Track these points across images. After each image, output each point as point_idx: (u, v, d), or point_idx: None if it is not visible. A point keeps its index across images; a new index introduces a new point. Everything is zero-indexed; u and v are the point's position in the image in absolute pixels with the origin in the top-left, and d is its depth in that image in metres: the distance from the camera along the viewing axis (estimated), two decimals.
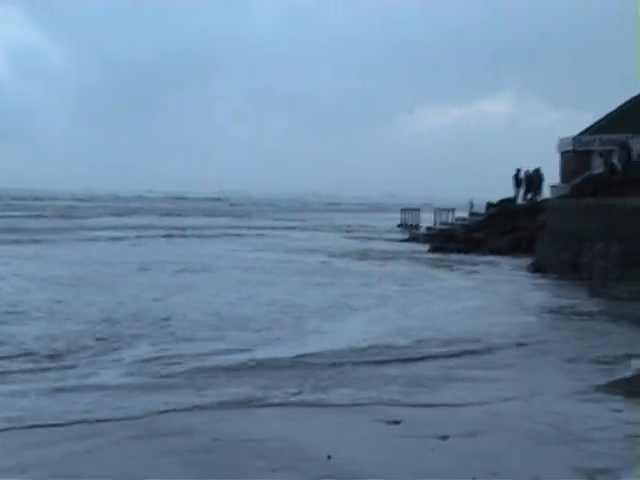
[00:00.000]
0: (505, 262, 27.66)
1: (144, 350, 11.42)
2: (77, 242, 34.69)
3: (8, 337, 11.95)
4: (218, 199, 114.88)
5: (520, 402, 8.64)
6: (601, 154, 34.38)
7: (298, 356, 11.16)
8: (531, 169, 37.87)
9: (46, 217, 56.30)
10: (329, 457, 6.42)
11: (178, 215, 66.71)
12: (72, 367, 10.25)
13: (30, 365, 10.25)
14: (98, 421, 7.64)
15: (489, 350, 12.05)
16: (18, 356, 10.72)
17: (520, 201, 37.26)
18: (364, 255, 30.65)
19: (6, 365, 10.19)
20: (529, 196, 37.11)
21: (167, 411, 8.04)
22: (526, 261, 26.11)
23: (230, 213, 74.67)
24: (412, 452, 6.70)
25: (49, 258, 25.73)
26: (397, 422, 7.63)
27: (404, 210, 53.65)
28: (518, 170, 37.96)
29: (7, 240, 33.78)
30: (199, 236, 40.82)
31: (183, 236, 40.74)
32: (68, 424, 7.53)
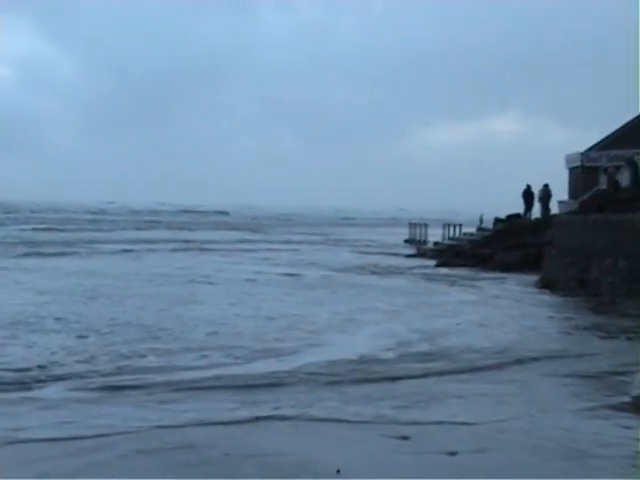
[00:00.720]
0: (512, 278, 27.62)
1: (143, 362, 11.47)
2: (95, 255, 34.86)
3: (30, 348, 11.98)
4: (227, 213, 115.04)
5: (527, 418, 8.64)
6: (605, 170, 34.38)
7: (303, 370, 11.21)
8: (539, 185, 37.90)
9: (67, 230, 56.26)
10: (338, 471, 6.45)
11: (191, 229, 66.83)
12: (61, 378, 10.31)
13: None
14: (97, 436, 7.61)
15: (495, 366, 12.06)
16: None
17: (538, 216, 37.09)
18: (371, 270, 30.67)
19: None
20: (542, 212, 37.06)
21: (172, 426, 8.04)
22: (533, 277, 26.07)
23: (241, 227, 74.76)
24: (421, 467, 6.72)
25: (72, 271, 25.82)
26: (406, 438, 7.64)
27: (412, 225, 53.60)
28: (528, 186, 37.94)
29: (31, 253, 33.95)
30: (215, 250, 40.98)
31: (200, 249, 40.98)
32: (67, 439, 7.51)
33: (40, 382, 10.07)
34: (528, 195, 37.85)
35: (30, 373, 10.52)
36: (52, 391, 9.68)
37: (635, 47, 33.88)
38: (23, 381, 10.10)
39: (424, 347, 13.45)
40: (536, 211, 37.99)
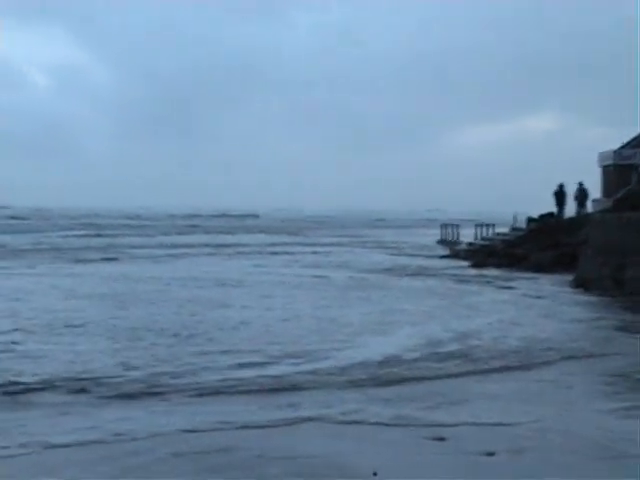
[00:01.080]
0: (546, 278, 27.39)
1: (176, 366, 11.52)
2: (137, 260, 34.98)
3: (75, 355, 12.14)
4: (257, 216, 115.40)
5: (565, 418, 8.56)
6: (636, 169, 33.95)
7: (337, 372, 11.26)
8: (573, 184, 37.51)
9: (107, 235, 56.63)
10: (375, 474, 6.43)
11: (228, 233, 67.10)
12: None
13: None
14: (133, 440, 7.66)
15: (529, 366, 12.02)
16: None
17: (571, 215, 36.69)
18: (403, 271, 30.55)
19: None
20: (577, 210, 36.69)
21: (206, 429, 8.07)
22: (568, 277, 25.83)
23: (273, 230, 74.90)
24: (459, 469, 6.68)
25: (114, 276, 26.09)
26: (442, 439, 7.60)
27: (444, 226, 53.36)
28: (561, 185, 37.57)
29: (72, 259, 34.23)
30: (250, 253, 41.10)
31: (236, 253, 41.10)
32: (104, 442, 7.55)
33: (76, 386, 10.11)
34: (560, 194, 37.48)
35: (65, 377, 10.58)
36: (87, 395, 9.74)
37: None
38: (58, 385, 10.15)
39: (457, 347, 13.40)
40: (570, 210, 37.61)
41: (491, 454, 7.04)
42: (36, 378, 10.41)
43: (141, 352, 12.49)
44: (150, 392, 9.93)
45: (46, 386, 10.06)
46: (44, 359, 11.81)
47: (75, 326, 14.97)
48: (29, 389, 9.89)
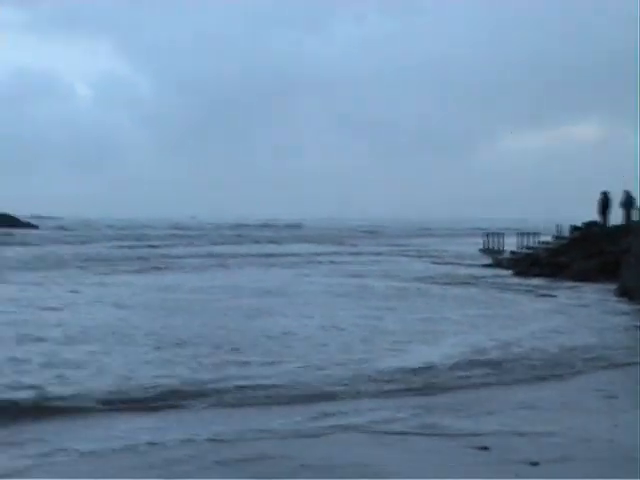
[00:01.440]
0: (590, 286, 27.08)
1: (219, 374, 11.60)
2: (187, 270, 35.32)
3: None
4: (299, 226, 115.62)
5: (608, 428, 8.46)
6: None
7: (380, 380, 11.23)
8: (617, 192, 36.92)
9: (161, 246, 57.02)
10: None
11: (275, 242, 67.38)
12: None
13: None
14: (177, 447, 7.69)
15: (574, 374, 11.97)
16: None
17: (616, 223, 36.10)
18: (446, 280, 30.43)
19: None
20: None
21: (247, 438, 8.07)
22: (611, 285, 25.49)
23: (317, 239, 75.00)
24: (503, 478, 6.62)
25: (165, 285, 26.44)
26: (485, 448, 7.56)
27: (487, 234, 52.91)
28: (604, 193, 37.00)
29: (126, 269, 34.65)
30: (302, 262, 41.41)
31: (285, 263, 41.21)
32: (148, 451, 7.58)
33: (116, 396, 10.15)
34: (605, 202, 36.95)
35: (105, 386, 10.65)
36: (126, 404, 9.78)
37: None
38: (99, 394, 10.18)
39: (499, 356, 13.35)
40: (615, 217, 37.04)
41: (535, 464, 6.97)
42: (75, 387, 10.47)
43: (183, 361, 12.58)
44: (190, 401, 9.97)
45: (86, 394, 10.09)
46: (86, 368, 11.93)
47: (120, 335, 15.13)
48: (65, 397, 9.91)
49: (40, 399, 9.77)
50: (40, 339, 14.42)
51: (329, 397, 10.28)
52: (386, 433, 8.30)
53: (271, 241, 69.52)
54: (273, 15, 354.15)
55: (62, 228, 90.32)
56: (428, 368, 12.19)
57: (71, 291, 23.79)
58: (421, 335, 15.80)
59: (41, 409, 9.33)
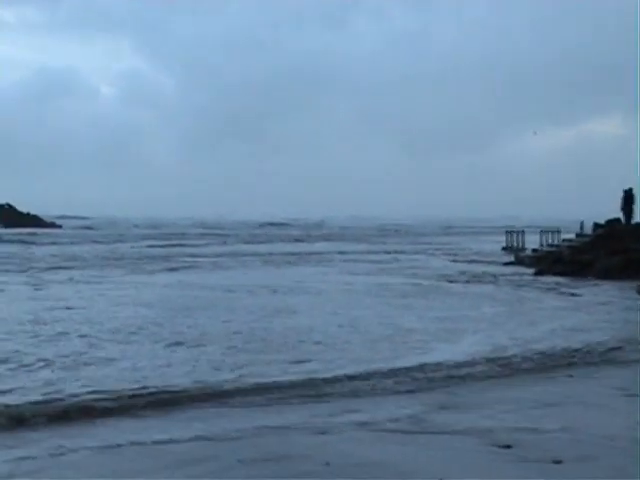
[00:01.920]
0: (613, 284, 26.83)
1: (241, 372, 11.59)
2: (217, 269, 35.36)
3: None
4: (323, 224, 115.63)
5: (631, 425, 8.33)
6: None
7: (400, 379, 11.22)
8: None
9: (185, 245, 57.15)
10: None
11: (304, 241, 67.46)
12: None
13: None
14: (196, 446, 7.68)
15: (595, 372, 11.88)
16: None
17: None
18: (468, 278, 30.29)
19: None
20: None
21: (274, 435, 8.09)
22: (635, 283, 25.22)
23: (342, 238, 75.00)
24: (526, 476, 6.54)
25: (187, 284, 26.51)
26: (508, 446, 7.48)
27: (509, 232, 52.55)
28: (627, 190, 36.61)
29: (161, 269, 34.79)
30: (324, 260, 41.54)
31: (307, 261, 41.33)
32: (169, 450, 7.56)
33: (144, 395, 10.17)
34: (628, 199, 36.56)
35: (134, 384, 10.69)
36: (154, 404, 9.77)
37: None
38: (129, 392, 10.22)
39: (520, 354, 13.27)
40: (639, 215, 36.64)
41: (558, 462, 6.89)
42: (96, 386, 10.52)
43: (205, 359, 12.65)
44: (214, 399, 9.98)
45: (107, 393, 10.11)
46: (113, 366, 12.04)
47: (147, 334, 15.24)
48: (93, 398, 9.89)
49: (59, 399, 9.77)
50: (66, 337, 14.66)
51: (350, 395, 10.24)
52: (408, 432, 8.23)
53: (297, 239, 69.63)
54: (297, 12, 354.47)
55: (88, 228, 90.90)
56: (448, 366, 12.14)
57: (100, 290, 23.98)
58: (441, 333, 15.74)
59: (59, 409, 9.30)
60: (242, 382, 10.89)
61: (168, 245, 56.38)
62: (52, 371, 11.51)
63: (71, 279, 27.93)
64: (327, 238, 74.18)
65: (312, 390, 10.49)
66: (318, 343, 14.43)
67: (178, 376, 11.28)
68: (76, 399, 9.75)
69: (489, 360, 12.69)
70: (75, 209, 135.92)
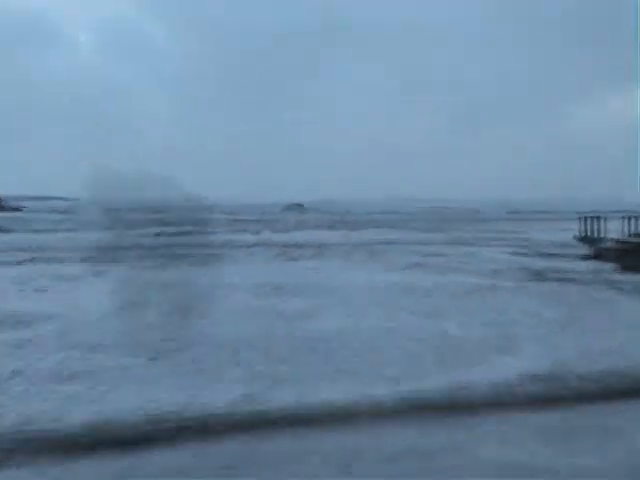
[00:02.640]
0: None
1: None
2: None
3: None
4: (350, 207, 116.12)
5: None
6: None
7: (455, 399, 11.24)
8: None
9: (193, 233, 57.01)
10: None
11: (347, 228, 67.64)
12: None
13: None
14: None
15: None
16: None
17: None
18: (531, 275, 29.75)
19: None
20: None
21: None
22: None
23: (385, 223, 74.96)
24: None
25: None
26: None
27: (584, 218, 50.63)
28: None
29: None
30: (351, 252, 41.04)
31: (333, 252, 40.98)
32: None
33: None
34: None
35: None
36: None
37: None
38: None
39: (590, 369, 12.87)
40: None
41: None
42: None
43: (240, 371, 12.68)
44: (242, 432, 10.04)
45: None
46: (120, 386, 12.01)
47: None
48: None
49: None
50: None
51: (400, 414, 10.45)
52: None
53: (336, 227, 69.66)
54: None
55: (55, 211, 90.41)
56: (508, 384, 11.97)
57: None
58: (501, 342, 15.33)
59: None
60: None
61: (195, 232, 56.23)
62: None
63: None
64: (376, 224, 74.16)
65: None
66: (353, 354, 14.10)
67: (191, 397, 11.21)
68: None
69: (556, 377, 12.39)
70: (40, 188, 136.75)
